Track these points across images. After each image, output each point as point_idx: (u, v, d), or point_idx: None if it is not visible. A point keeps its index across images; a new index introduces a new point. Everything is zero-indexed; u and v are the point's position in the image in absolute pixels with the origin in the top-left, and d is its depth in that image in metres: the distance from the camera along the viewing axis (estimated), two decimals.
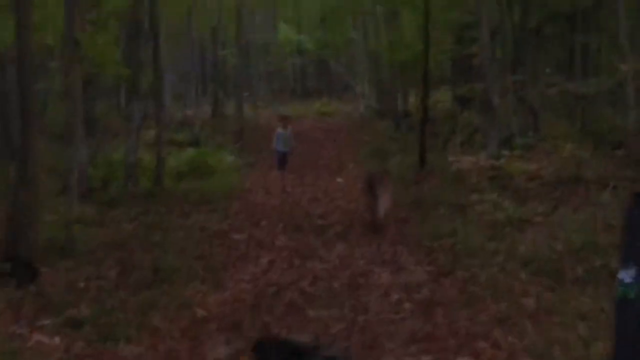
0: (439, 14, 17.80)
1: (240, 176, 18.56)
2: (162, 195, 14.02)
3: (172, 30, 33.17)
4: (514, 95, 16.08)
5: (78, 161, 13.10)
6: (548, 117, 19.55)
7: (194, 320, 7.55)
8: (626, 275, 2.76)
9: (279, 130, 15.91)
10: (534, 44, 20.11)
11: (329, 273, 9.30)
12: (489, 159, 14.09)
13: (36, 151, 8.26)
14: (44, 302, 7.25)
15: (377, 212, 12.02)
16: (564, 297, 7.68)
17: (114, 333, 6.74)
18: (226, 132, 26.12)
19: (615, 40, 15.43)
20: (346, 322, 7.52)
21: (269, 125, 30.80)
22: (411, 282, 8.70)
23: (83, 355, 6.47)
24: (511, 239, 9.92)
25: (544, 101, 20.44)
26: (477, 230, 10.47)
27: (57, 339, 6.51)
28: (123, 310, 7.34)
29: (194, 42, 27.06)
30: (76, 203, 10.30)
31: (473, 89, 17.22)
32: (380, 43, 29.21)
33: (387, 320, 7.57)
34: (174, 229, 11.57)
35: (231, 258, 10.16)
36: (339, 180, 16.94)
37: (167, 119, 28.20)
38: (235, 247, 10.82)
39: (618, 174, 13.10)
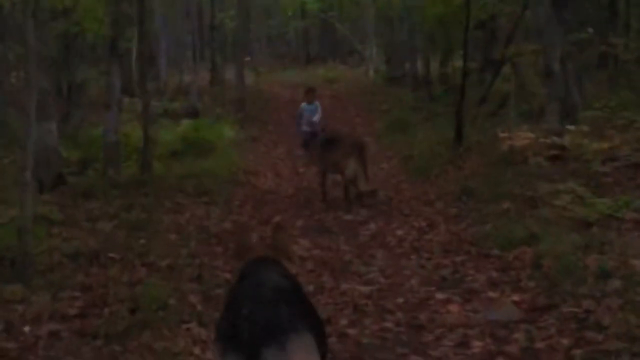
0: None
1: (243, 154, 15.98)
2: (151, 183, 11.41)
3: None
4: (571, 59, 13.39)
5: (45, 141, 10.59)
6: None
7: None
8: None
9: (303, 105, 12.72)
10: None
11: (374, 302, 6.74)
12: (549, 136, 11.48)
13: None
14: None
15: (363, 183, 10.91)
16: None
17: None
18: (226, 100, 23.49)
19: None
20: None
21: (273, 94, 28.27)
22: (495, 320, 6.14)
23: None
24: (614, 247, 7.22)
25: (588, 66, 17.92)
26: (563, 233, 7.81)
27: None
28: None
29: (190, 3, 24.38)
30: (32, 199, 7.62)
31: (520, 51, 14.57)
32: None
33: None
34: (164, 231, 9.02)
35: None
36: None
37: (162, 87, 25.71)
38: None
39: None
